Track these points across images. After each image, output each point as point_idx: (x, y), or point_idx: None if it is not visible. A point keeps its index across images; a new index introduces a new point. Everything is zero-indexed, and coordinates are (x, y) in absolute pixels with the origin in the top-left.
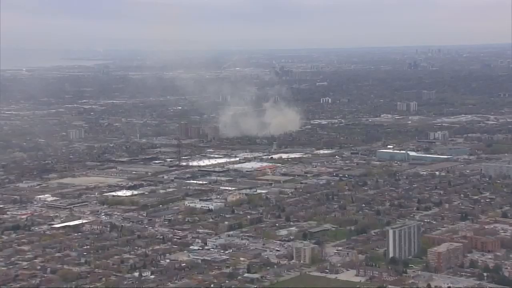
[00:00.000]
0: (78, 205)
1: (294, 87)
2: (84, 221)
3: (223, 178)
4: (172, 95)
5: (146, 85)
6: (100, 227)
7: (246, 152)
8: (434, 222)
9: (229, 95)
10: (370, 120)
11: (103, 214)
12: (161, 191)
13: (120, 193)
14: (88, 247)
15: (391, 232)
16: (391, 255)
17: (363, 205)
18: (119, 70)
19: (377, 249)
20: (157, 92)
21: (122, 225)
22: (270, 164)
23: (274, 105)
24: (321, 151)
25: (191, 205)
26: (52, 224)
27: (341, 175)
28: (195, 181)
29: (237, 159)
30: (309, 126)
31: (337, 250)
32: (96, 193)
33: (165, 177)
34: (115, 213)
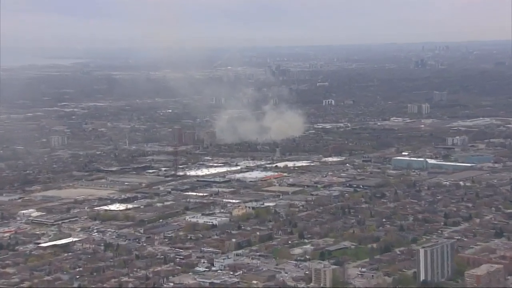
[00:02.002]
0: (66, 221)
1: (292, 88)
2: (75, 239)
3: (225, 189)
4: (161, 97)
5: (132, 86)
6: (93, 246)
7: (247, 159)
8: (466, 239)
9: (223, 97)
10: (379, 124)
11: (95, 231)
12: (158, 204)
13: (112, 207)
14: (81, 269)
15: (422, 251)
16: (422, 277)
17: (384, 219)
18: (101, 69)
19: (404, 270)
20: (144, 94)
21: (117, 244)
22: (276, 173)
23: (274, 108)
24: (330, 159)
25: (193, 220)
26: (39, 243)
27: (355, 185)
28: (194, 193)
29: (239, 167)
30: (313, 131)
31: (360, 272)
32: (86, 207)
33: (161, 188)
34: (109, 229)
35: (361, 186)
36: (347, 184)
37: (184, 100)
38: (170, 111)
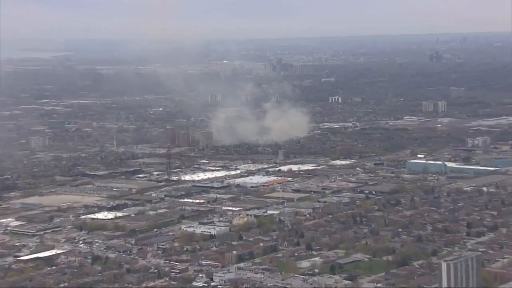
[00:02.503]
0: (49, 231)
1: (295, 84)
2: (59, 251)
3: (224, 196)
4: (151, 94)
5: (119, 82)
6: (79, 258)
7: (247, 163)
8: (491, 251)
9: (219, 94)
10: (391, 123)
11: (81, 242)
12: (151, 212)
13: (100, 215)
14: (66, 284)
15: (444, 265)
16: None
17: (400, 229)
18: (84, 63)
19: (424, 286)
20: (133, 90)
21: (106, 256)
22: (279, 177)
23: (276, 106)
24: (338, 162)
25: (189, 229)
26: (19, 256)
27: (366, 191)
28: (190, 200)
29: (238, 171)
30: (319, 131)
31: (375, 287)
32: (71, 216)
33: (154, 194)
34: (96, 240)
35: (374, 192)
36: (358, 190)
37: (176, 98)
38: (161, 109)
